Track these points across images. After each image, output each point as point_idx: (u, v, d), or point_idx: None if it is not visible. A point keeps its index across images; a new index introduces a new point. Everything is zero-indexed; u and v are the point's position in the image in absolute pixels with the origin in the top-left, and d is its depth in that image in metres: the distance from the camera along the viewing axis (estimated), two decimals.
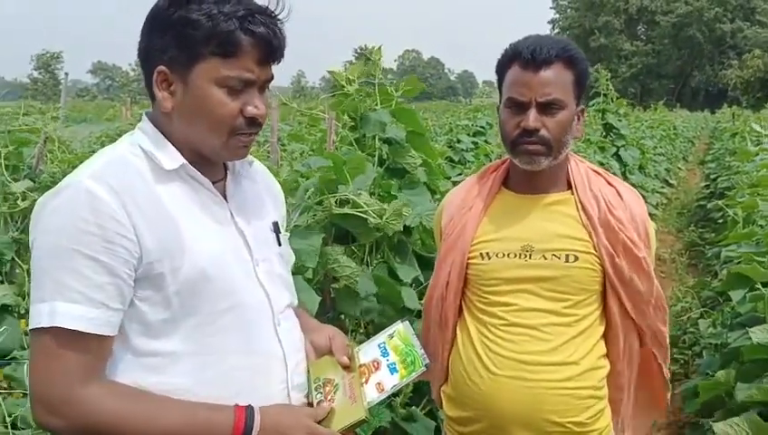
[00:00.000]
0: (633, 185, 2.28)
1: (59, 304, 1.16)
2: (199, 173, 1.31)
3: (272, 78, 1.32)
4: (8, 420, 1.85)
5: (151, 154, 1.28)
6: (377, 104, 2.75)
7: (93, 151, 1.97)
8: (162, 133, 1.30)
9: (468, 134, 7.89)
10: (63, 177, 1.34)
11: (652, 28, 68.84)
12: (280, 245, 1.46)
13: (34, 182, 3.17)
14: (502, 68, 1.70)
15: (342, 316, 2.63)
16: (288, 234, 1.54)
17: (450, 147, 7.09)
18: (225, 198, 1.37)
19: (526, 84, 1.62)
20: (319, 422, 1.34)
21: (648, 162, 10.40)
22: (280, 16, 1.29)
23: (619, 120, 8.74)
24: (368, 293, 2.41)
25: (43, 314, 1.16)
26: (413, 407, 2.68)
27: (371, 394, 1.41)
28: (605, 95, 8.81)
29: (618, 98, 9.13)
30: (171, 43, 1.24)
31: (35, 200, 1.69)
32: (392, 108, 2.75)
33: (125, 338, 1.24)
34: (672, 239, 8.81)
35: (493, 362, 1.66)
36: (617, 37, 68.43)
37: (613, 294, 1.69)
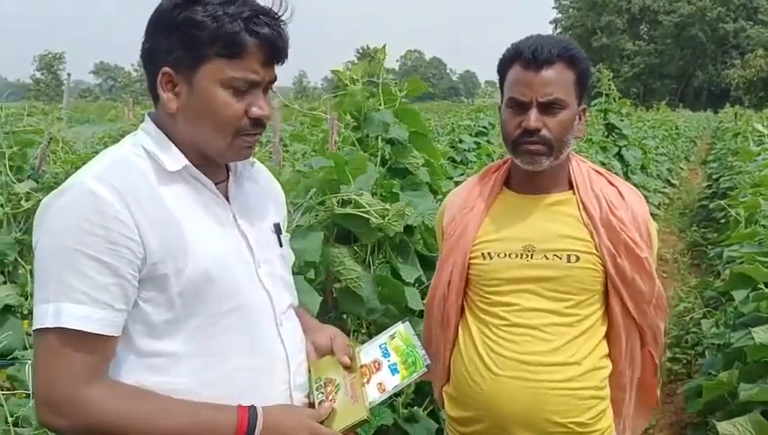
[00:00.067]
0: (635, 185, 2.29)
1: (64, 305, 1.16)
2: (202, 174, 1.32)
3: (275, 79, 1.32)
4: (10, 420, 1.85)
5: (154, 155, 1.28)
6: (380, 104, 2.75)
7: (96, 152, 1.98)
8: (165, 134, 1.30)
9: (470, 134, 7.89)
10: (66, 177, 1.34)
11: (655, 28, 68.76)
12: (281, 246, 1.46)
13: (38, 183, 3.18)
14: (503, 68, 1.70)
15: (344, 316, 2.63)
16: (289, 235, 1.55)
17: (452, 147, 7.09)
18: (228, 199, 1.37)
19: (527, 84, 1.62)
20: (321, 422, 1.34)
21: (651, 162, 10.38)
22: (283, 17, 1.29)
23: (622, 120, 8.72)
24: (370, 297, 2.41)
25: (48, 314, 1.17)
26: (415, 407, 2.68)
27: (373, 394, 1.42)
28: (607, 95, 8.80)
29: (620, 98, 9.12)
30: (176, 44, 1.24)
31: (39, 201, 1.69)
32: (395, 108, 2.75)
33: (129, 339, 1.24)
34: (674, 239, 8.81)
35: (494, 362, 1.66)
36: (619, 37, 68.37)
37: (615, 295, 1.69)
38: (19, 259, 2.81)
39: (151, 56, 1.28)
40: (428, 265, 2.61)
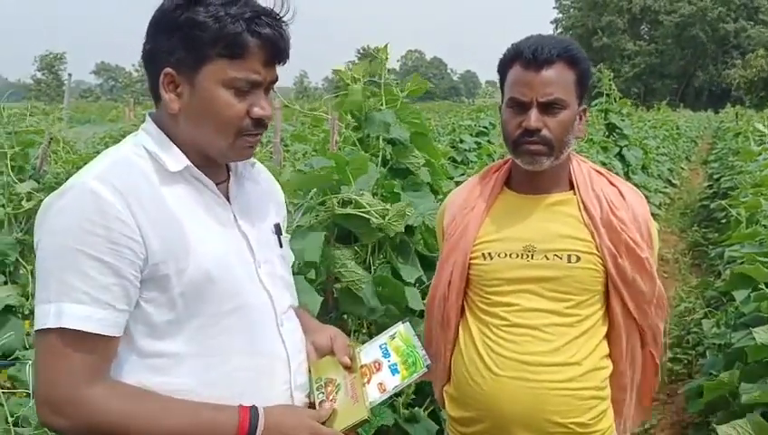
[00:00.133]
0: (636, 185, 2.28)
1: (65, 305, 1.16)
2: (204, 175, 1.32)
3: (276, 79, 1.32)
4: (11, 420, 1.85)
5: (156, 155, 1.28)
6: (382, 104, 2.74)
7: (97, 152, 1.98)
8: (167, 135, 1.31)
9: (471, 134, 7.89)
10: (67, 177, 1.34)
11: (655, 28, 68.74)
12: (281, 247, 1.46)
13: (39, 183, 3.18)
14: (503, 68, 1.70)
15: (345, 317, 2.63)
16: (289, 236, 1.55)
17: (453, 147, 7.09)
18: (228, 199, 1.37)
19: (528, 84, 1.62)
20: (322, 423, 1.34)
21: (651, 162, 10.38)
22: (285, 18, 1.29)
23: (622, 120, 8.72)
24: (371, 298, 2.41)
25: (50, 314, 1.17)
26: (416, 408, 2.68)
27: (373, 394, 1.42)
28: (608, 95, 8.79)
29: (621, 98, 9.11)
30: (178, 44, 1.24)
31: (40, 201, 1.69)
32: (397, 108, 2.75)
33: (130, 339, 1.24)
34: (675, 239, 8.81)
35: (495, 362, 1.66)
36: (620, 37, 68.35)
37: (616, 295, 1.69)
38: (20, 259, 2.82)
39: (153, 57, 1.28)
40: (429, 265, 2.61)
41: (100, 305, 1.18)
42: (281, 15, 1.29)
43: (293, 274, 1.53)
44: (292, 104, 3.35)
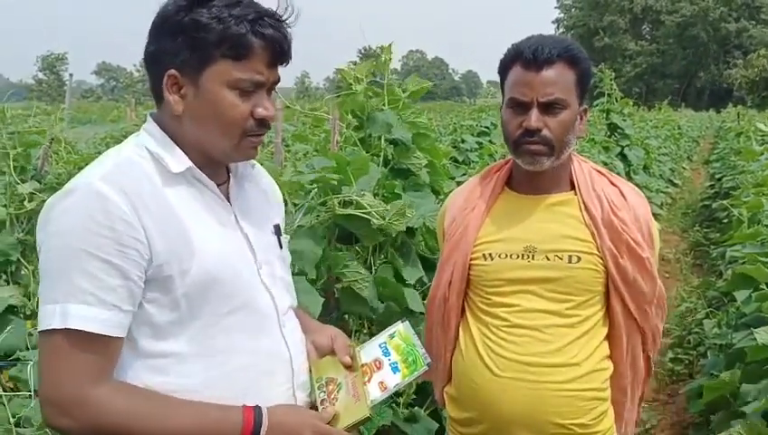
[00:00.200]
0: (637, 185, 2.28)
1: (71, 306, 1.16)
2: (206, 176, 1.32)
3: (279, 80, 1.33)
4: (12, 420, 1.85)
5: (158, 156, 1.29)
6: (384, 104, 2.74)
7: (99, 153, 1.98)
8: (169, 136, 1.31)
9: (472, 134, 7.88)
10: (69, 178, 1.34)
11: (657, 28, 68.70)
12: (281, 247, 1.47)
13: (40, 183, 3.19)
14: (504, 68, 1.70)
15: (346, 317, 2.63)
16: (288, 237, 1.55)
17: (454, 147, 7.08)
18: (228, 200, 1.37)
19: (528, 84, 1.62)
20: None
21: (653, 162, 10.37)
22: (287, 20, 1.30)
23: (624, 120, 8.72)
24: (372, 298, 2.41)
25: (55, 315, 1.17)
26: (416, 407, 2.68)
27: (374, 393, 1.42)
28: (609, 95, 8.80)
29: (622, 98, 9.12)
30: (182, 46, 1.24)
31: (42, 201, 1.69)
32: (399, 108, 2.75)
33: (132, 339, 1.25)
34: (677, 239, 8.80)
35: (495, 363, 1.66)
36: (621, 37, 68.32)
37: (616, 295, 1.69)
38: (22, 260, 2.82)
39: (156, 59, 1.28)
40: (430, 267, 2.61)
41: (106, 306, 1.18)
42: (283, 17, 1.29)
43: (294, 274, 1.53)
44: (293, 104, 3.35)
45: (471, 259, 1.73)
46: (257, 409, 1.27)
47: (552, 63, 1.61)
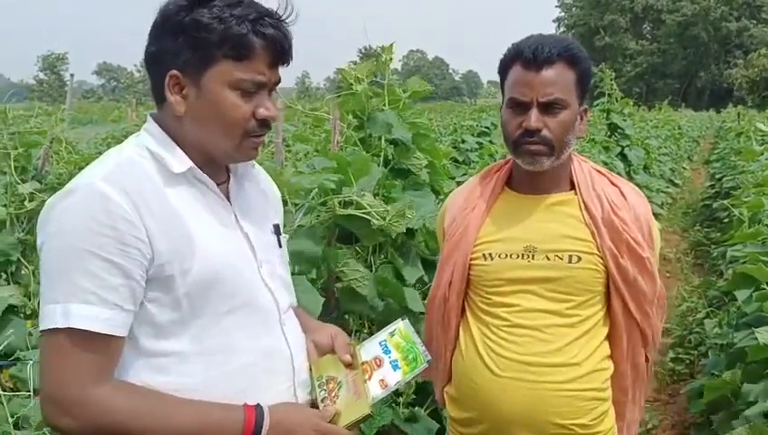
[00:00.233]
0: (638, 185, 2.28)
1: (73, 306, 1.16)
2: (206, 176, 1.32)
3: (280, 81, 1.33)
4: (11, 420, 1.86)
5: (159, 156, 1.29)
6: (384, 104, 2.74)
7: (99, 153, 1.98)
8: (170, 136, 1.31)
9: (473, 134, 7.88)
10: (69, 178, 1.34)
11: (658, 27, 68.69)
12: (280, 247, 1.47)
13: (41, 183, 3.19)
14: (504, 68, 1.70)
15: (347, 316, 2.63)
16: (287, 236, 1.55)
17: (455, 147, 7.08)
18: (229, 200, 1.37)
19: (528, 84, 1.62)
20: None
21: (653, 162, 10.37)
22: (288, 20, 1.30)
23: (624, 120, 8.72)
24: (372, 297, 2.41)
25: (57, 314, 1.17)
26: (416, 407, 2.68)
27: (375, 390, 1.43)
28: (609, 95, 8.79)
29: (622, 97, 9.12)
30: (184, 46, 1.24)
31: (42, 201, 1.69)
32: (400, 109, 2.75)
33: (133, 338, 1.25)
34: (677, 239, 8.80)
35: (495, 363, 1.66)
36: (622, 36, 68.31)
37: (617, 295, 1.69)
38: (22, 260, 2.82)
39: (157, 59, 1.28)
40: (429, 267, 2.61)
41: (108, 306, 1.18)
42: (284, 17, 1.29)
43: (294, 273, 1.54)
44: (294, 105, 3.35)
45: (471, 259, 1.73)
46: (259, 407, 1.28)
47: (552, 63, 1.61)
